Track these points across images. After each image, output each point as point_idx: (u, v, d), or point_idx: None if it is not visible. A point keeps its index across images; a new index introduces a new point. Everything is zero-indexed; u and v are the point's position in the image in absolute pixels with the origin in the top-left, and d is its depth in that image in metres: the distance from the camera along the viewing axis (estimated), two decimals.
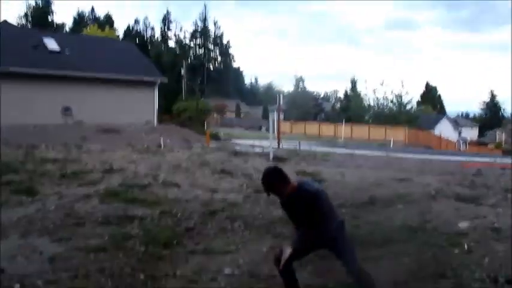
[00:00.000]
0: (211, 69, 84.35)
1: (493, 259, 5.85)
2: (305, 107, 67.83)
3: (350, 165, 16.13)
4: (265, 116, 63.67)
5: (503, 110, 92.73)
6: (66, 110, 24.02)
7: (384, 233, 6.89)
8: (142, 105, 26.54)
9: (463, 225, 7.60)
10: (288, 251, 4.12)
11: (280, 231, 6.97)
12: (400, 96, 56.28)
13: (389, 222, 7.72)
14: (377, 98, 58.05)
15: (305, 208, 4.11)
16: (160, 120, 29.20)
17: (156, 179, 11.38)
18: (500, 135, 72.03)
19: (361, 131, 48.65)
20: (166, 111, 40.90)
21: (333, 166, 15.83)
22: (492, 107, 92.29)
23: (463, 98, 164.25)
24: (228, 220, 7.59)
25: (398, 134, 45.18)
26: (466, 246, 6.29)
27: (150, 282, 4.78)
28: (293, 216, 4.29)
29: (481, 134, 78.65)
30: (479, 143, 65.59)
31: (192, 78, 69.58)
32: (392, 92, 56.24)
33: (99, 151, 17.29)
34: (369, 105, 60.53)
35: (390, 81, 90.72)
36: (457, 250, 6.21)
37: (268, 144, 23.34)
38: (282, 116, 27.49)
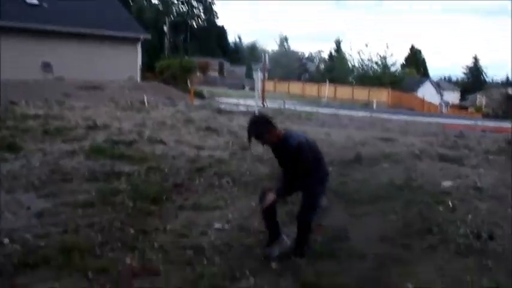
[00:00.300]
0: (195, 26, 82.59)
1: (476, 216, 5.99)
2: (289, 66, 67.38)
3: (335, 124, 16.19)
4: (249, 75, 62.95)
5: (485, 74, 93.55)
6: (46, 66, 23.40)
7: (370, 191, 6.97)
8: (125, 62, 26.00)
9: (447, 184, 7.74)
10: (270, 197, 4.33)
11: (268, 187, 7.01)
12: (385, 58, 56.11)
13: (376, 180, 7.81)
14: (361, 60, 57.82)
15: (290, 159, 4.31)
16: (143, 78, 28.71)
17: (141, 135, 11.27)
18: (480, 99, 72.65)
19: (344, 92, 48.67)
20: (149, 69, 40.14)
21: (318, 125, 15.87)
22: (474, 71, 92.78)
23: (446, 63, 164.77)
24: (215, 176, 7.59)
25: (381, 96, 45.32)
26: (450, 204, 6.42)
27: (140, 237, 4.77)
28: (281, 162, 4.53)
29: (462, 97, 79.32)
30: (461, 107, 66.32)
31: (175, 35, 68.29)
32: (377, 54, 56.03)
33: (82, 108, 17.01)
34: (353, 66, 60.35)
35: (375, 43, 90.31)
36: (441, 208, 6.32)
37: (252, 103, 23.30)
38: (266, 75, 27.24)
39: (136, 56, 26.91)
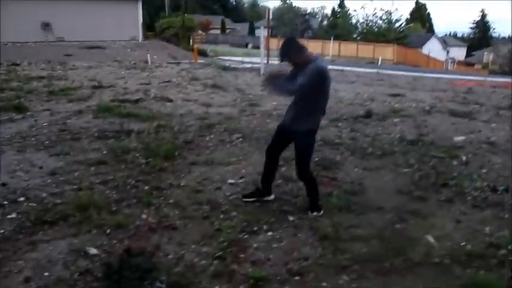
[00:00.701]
0: None
1: (491, 170, 5.96)
2: (292, 23, 66.01)
3: (341, 80, 15.94)
4: (251, 32, 62.10)
5: (493, 29, 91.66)
6: (46, 26, 23.03)
7: (382, 146, 6.91)
8: (127, 21, 25.55)
9: (459, 139, 7.67)
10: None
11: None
12: (390, 13, 55.00)
13: (387, 135, 7.74)
14: (366, 15, 56.67)
15: (314, 81, 4.09)
16: (144, 37, 28.28)
17: (147, 94, 11.15)
18: (487, 56, 71.59)
19: (349, 49, 47.86)
20: (150, 28, 39.51)
21: None
22: (481, 26, 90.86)
23: (451, 18, 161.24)
24: (226, 133, 7.52)
25: (386, 53, 44.58)
26: (463, 158, 6.37)
27: (155, 193, 4.74)
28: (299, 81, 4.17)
29: (468, 54, 78.06)
30: (467, 63, 65.31)
31: None
32: (382, 9, 54.85)
33: (85, 68, 16.82)
34: (358, 21, 59.21)
35: None
36: (455, 162, 6.29)
37: (257, 60, 22.97)
38: (269, 32, 26.65)
39: (138, 14, 26.43)
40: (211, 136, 7.28)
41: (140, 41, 26.22)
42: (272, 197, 4.74)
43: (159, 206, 4.44)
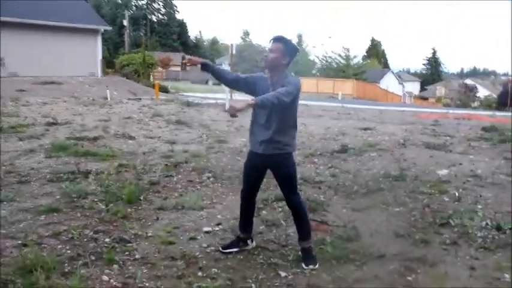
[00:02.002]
0: (155, 21, 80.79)
1: (486, 206, 5.53)
2: (252, 60, 66.50)
3: (309, 115, 15.60)
4: None
5: (444, 65, 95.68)
6: None
7: (366, 183, 6.40)
8: (85, 56, 24.68)
9: (443, 172, 7.27)
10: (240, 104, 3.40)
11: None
12: (348, 49, 56.38)
13: (367, 170, 7.26)
14: (325, 52, 57.82)
15: (297, 92, 3.61)
16: (103, 73, 27.43)
17: (107, 131, 10.37)
18: (440, 90, 74.24)
19: (309, 84, 48.15)
20: (109, 65, 38.62)
21: None
22: (433, 62, 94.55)
23: (404, 54, 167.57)
24: (194, 172, 6.85)
25: (346, 88, 45.24)
26: (455, 194, 5.91)
27: (118, 246, 3.99)
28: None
29: (422, 88, 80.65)
30: (421, 97, 67.36)
31: (135, 30, 66.41)
32: (341, 46, 56.16)
33: (40, 104, 15.84)
34: (318, 57, 60.31)
35: (338, 36, 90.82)
36: (446, 197, 5.83)
37: (220, 96, 22.56)
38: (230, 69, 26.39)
39: (97, 49, 25.62)
40: (179, 176, 6.58)
41: (99, 76, 25.34)
42: (253, 244, 4.09)
43: (124, 263, 3.69)
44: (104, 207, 4.98)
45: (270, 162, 3.78)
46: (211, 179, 6.53)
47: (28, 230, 4.28)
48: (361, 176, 6.83)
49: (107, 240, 4.09)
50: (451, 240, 4.34)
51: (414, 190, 6.08)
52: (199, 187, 6.08)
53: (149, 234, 4.30)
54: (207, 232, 4.44)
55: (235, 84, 3.89)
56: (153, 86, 24.47)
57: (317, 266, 3.70)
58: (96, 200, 5.26)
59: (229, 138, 10.06)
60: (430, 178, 6.80)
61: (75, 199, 5.21)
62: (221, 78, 3.90)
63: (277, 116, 3.63)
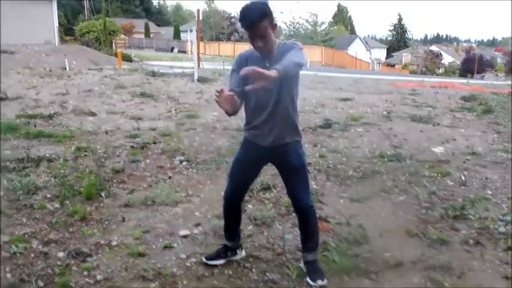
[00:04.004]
0: None
1: (496, 191, 4.95)
2: (218, 26, 64.64)
3: None
4: (177, 36, 60.03)
5: (409, 33, 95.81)
6: None
7: (359, 165, 5.72)
8: (40, 23, 22.91)
9: (439, 150, 6.68)
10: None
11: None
12: (316, 15, 55.37)
13: (357, 149, 6.59)
14: (293, 17, 56.61)
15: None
16: (62, 41, 25.77)
17: (64, 106, 9.33)
18: (406, 57, 74.61)
19: None
20: (68, 32, 36.58)
21: None
22: (399, 29, 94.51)
23: (369, 21, 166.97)
24: (164, 156, 6.02)
25: (314, 54, 44.45)
26: (461, 177, 5.31)
27: (74, 263, 3.17)
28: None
29: (388, 55, 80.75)
30: (388, 64, 67.41)
31: None
32: (309, 12, 55.04)
33: None
34: (285, 23, 59.10)
35: (304, 2, 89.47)
36: (449, 181, 5.22)
37: (187, 64, 21.44)
38: (200, 35, 25.04)
39: (52, 15, 23.85)
40: (147, 161, 5.74)
41: (56, 45, 23.70)
42: (243, 253, 3.35)
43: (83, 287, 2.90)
44: (57, 205, 4.13)
45: (276, 156, 3.00)
46: (184, 164, 5.73)
47: None
48: (352, 156, 6.14)
49: (61, 255, 3.25)
50: (472, 239, 3.70)
51: (413, 172, 5.44)
52: (171, 174, 5.27)
53: (113, 242, 3.49)
54: (184, 237, 3.67)
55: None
56: (116, 55, 23.07)
57: (325, 281, 2.99)
58: (48, 195, 4.40)
59: (200, 113, 9.21)
60: (426, 157, 6.19)
61: (21, 196, 4.32)
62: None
63: (286, 100, 2.84)
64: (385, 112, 9.68)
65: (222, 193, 4.22)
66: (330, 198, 4.59)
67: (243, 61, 2.80)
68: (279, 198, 4.49)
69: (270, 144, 2.90)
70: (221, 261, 3.23)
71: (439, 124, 8.69)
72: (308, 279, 3.00)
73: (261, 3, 2.64)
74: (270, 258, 3.34)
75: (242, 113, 2.97)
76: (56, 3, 24.09)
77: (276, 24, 2.68)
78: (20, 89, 11.63)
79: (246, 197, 4.44)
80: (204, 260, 3.23)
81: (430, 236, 3.71)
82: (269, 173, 5.25)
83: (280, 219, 4.02)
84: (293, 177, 3.01)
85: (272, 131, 2.83)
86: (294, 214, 4.10)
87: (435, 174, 5.42)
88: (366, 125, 8.25)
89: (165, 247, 3.46)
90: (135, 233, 3.65)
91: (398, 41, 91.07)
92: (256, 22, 2.58)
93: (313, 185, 4.96)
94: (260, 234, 3.75)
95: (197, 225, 3.87)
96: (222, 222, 3.51)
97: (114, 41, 33.82)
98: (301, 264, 3.16)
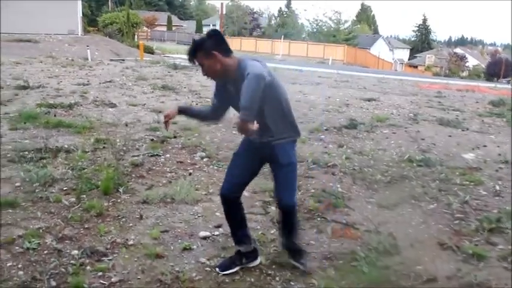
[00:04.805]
0: None
1: None
2: (241, 22, 64.43)
3: (306, 82, 14.56)
4: (199, 30, 59.99)
5: (434, 34, 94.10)
6: None
7: (387, 169, 5.48)
8: (64, 12, 22.98)
9: (469, 156, 6.39)
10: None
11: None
12: (340, 13, 54.64)
13: (384, 151, 6.34)
14: (316, 14, 56.07)
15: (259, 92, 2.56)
16: (85, 32, 25.84)
17: (85, 96, 9.24)
18: (430, 58, 73.36)
19: (298, 49, 46.86)
20: (91, 24, 36.75)
21: (287, 82, 14.16)
22: (423, 30, 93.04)
23: (393, 20, 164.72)
24: (185, 151, 5.86)
25: (336, 53, 43.97)
26: (494, 187, 5.03)
27: (89, 263, 3.01)
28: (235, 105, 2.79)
29: (411, 56, 79.49)
30: (411, 65, 66.35)
31: None
32: (332, 9, 54.41)
33: (12, 64, 14.49)
34: (308, 20, 58.58)
35: None
36: (483, 190, 4.94)
37: None
38: (223, 30, 24.78)
39: (76, 4, 23.91)
40: (167, 155, 5.59)
41: (79, 35, 23.77)
42: (259, 260, 3.16)
43: None
44: (74, 199, 3.99)
45: (267, 154, 2.94)
46: (204, 160, 5.56)
47: None
48: (379, 159, 5.90)
49: (75, 252, 3.10)
50: (511, 256, 3.45)
51: (444, 179, 5.19)
52: (191, 171, 5.10)
53: (130, 242, 3.33)
54: (204, 238, 3.49)
55: (218, 112, 3.11)
56: (138, 47, 23.06)
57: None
58: (65, 188, 4.27)
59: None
60: (457, 164, 5.91)
61: (38, 188, 4.19)
62: (202, 118, 3.39)
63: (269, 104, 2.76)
64: (411, 114, 9.38)
65: (245, 192, 4.07)
66: (356, 203, 4.36)
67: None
68: (303, 201, 4.28)
69: (261, 140, 2.86)
70: (236, 269, 3.03)
71: (467, 129, 8.38)
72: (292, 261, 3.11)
73: (199, 39, 2.78)
74: (294, 266, 3.13)
75: None
76: None
77: (213, 53, 2.68)
78: (42, 77, 11.61)
79: (268, 198, 4.29)
80: (217, 270, 3.03)
81: (465, 250, 3.47)
82: None
83: (304, 223, 3.81)
84: (278, 175, 2.95)
85: (262, 129, 2.65)
86: (319, 218, 3.95)
87: (467, 182, 5.15)
88: (392, 127, 7.99)
89: (184, 249, 3.29)
90: (153, 232, 3.48)
91: (422, 42, 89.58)
92: (190, 57, 2.74)
93: (338, 188, 4.78)
94: (269, 230, 3.55)
95: (218, 226, 3.69)
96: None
97: (136, 33, 33.88)
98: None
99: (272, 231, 3.64)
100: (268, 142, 2.86)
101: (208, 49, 2.68)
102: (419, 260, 3.30)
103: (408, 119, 8.94)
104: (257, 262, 3.14)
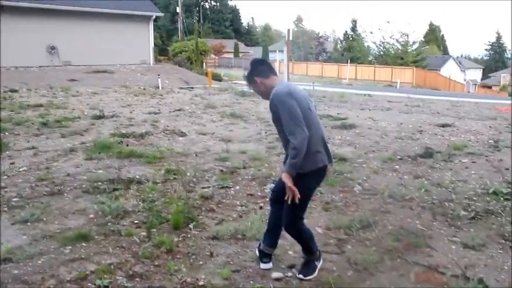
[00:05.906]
0: (207, 7, 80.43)
1: None
2: (307, 46, 64.66)
3: (375, 107, 14.18)
4: (265, 56, 60.76)
5: (509, 51, 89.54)
6: (52, 49, 21.57)
7: (469, 203, 5.08)
8: (137, 44, 24.07)
9: None
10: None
11: (331, 197, 5.16)
12: (407, 35, 53.30)
13: (464, 183, 5.90)
14: (383, 37, 55.12)
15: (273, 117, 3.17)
16: (156, 61, 26.86)
17: (155, 125, 9.48)
18: (505, 78, 69.73)
19: (365, 72, 46.09)
20: (162, 53, 38.26)
21: (356, 108, 13.87)
22: (497, 48, 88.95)
23: (463, 40, 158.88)
24: (255, 182, 5.76)
25: (405, 75, 42.82)
26: None
27: None
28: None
29: (484, 76, 75.98)
30: (483, 86, 63.31)
31: (188, 17, 66.04)
32: (399, 31, 53.23)
33: (89, 94, 15.25)
34: (375, 43, 57.64)
35: (395, 20, 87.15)
36: None
37: None
38: (286, 56, 24.80)
39: (149, 36, 24.95)
40: (237, 187, 5.51)
41: (151, 64, 24.74)
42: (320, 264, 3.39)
43: None
44: (144, 233, 3.97)
45: None
46: None
47: (47, 270, 3.31)
48: (460, 192, 5.49)
49: None
50: None
51: None
52: (262, 204, 4.97)
53: (200, 282, 3.22)
54: (277, 280, 3.32)
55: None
56: (206, 74, 23.62)
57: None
58: (136, 221, 4.27)
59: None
60: None
61: (110, 220, 4.23)
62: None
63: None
64: (491, 141, 8.78)
65: (317, 228, 3.91)
66: (439, 243, 4.03)
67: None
68: (380, 239, 4.01)
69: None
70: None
71: None
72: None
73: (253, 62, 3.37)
74: None
75: None
76: (152, 25, 25.18)
77: (255, 79, 3.23)
78: (116, 107, 12.08)
79: (343, 236, 4.07)
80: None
81: None
82: (366, 208, 4.83)
83: (383, 265, 3.55)
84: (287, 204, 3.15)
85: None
86: (399, 259, 3.66)
87: None
88: (471, 155, 7.49)
89: None
90: (223, 271, 3.35)
91: (496, 60, 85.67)
92: (247, 86, 3.35)
93: (417, 224, 4.45)
94: (361, 282, 3.30)
95: (291, 266, 3.51)
96: (320, 265, 3.21)
97: (204, 60, 34.79)
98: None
99: (349, 274, 3.41)
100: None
101: (251, 76, 3.24)
102: None
103: (488, 146, 8.37)
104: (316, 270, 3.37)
